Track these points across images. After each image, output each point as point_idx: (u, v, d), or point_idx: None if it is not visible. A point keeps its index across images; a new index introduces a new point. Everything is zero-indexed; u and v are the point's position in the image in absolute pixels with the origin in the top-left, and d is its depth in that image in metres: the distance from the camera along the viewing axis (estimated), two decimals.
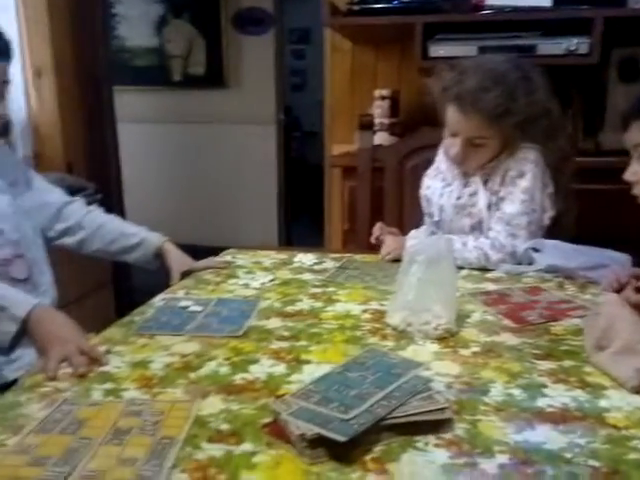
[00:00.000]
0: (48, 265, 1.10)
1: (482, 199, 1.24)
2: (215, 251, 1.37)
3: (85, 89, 2.64)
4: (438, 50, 1.73)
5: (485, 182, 1.25)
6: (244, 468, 0.53)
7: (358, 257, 1.33)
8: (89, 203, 1.28)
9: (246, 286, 1.12)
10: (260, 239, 3.83)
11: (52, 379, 0.71)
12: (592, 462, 0.53)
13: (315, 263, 1.28)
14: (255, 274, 1.20)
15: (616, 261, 1.07)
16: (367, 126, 1.70)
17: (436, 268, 0.85)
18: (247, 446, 0.56)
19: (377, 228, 1.37)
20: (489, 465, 0.53)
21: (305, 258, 1.32)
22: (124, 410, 0.63)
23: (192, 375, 0.73)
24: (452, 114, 1.23)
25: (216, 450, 0.56)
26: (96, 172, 2.72)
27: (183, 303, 0.99)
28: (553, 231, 1.25)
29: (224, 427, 0.60)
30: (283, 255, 1.36)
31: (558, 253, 1.11)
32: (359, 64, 2.27)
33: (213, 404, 0.65)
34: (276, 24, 3.83)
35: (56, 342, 0.77)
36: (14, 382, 0.72)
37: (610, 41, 1.80)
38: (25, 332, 0.81)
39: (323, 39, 2.46)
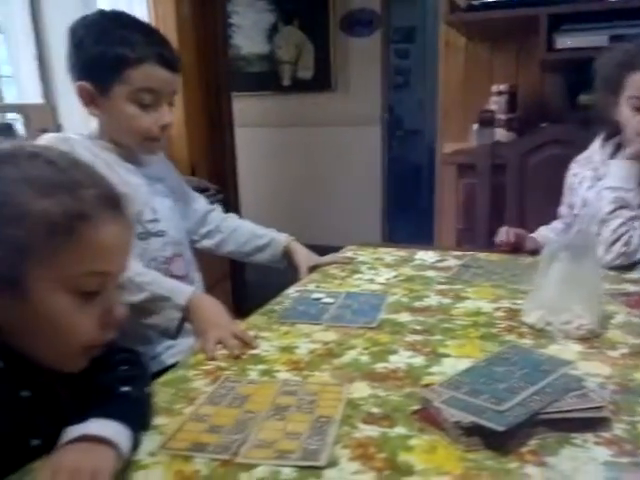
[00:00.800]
0: (197, 264, 1.21)
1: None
2: (323, 249, 1.41)
3: (207, 96, 2.84)
4: (565, 41, 1.66)
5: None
6: (402, 449, 0.55)
7: (482, 255, 1.31)
8: (211, 203, 1.39)
9: (371, 281, 1.15)
10: (364, 238, 3.87)
11: (211, 359, 0.79)
12: None
13: (437, 260, 1.29)
14: (378, 270, 1.23)
15: None
16: (487, 122, 1.67)
17: (578, 266, 0.82)
18: (401, 430, 0.59)
19: (503, 232, 1.33)
20: None
21: (426, 255, 1.33)
22: (280, 389, 0.69)
23: (335, 361, 0.77)
24: (634, 80, 1.14)
25: (371, 431, 0.59)
26: (216, 174, 2.92)
27: (316, 295, 1.05)
28: None
29: (375, 411, 0.63)
30: (403, 252, 1.37)
31: None
32: (474, 60, 2.23)
33: (361, 389, 0.68)
34: (383, 24, 3.85)
35: (212, 326, 0.85)
36: (171, 367, 0.80)
37: None
38: (185, 318, 0.91)
39: (435, 37, 2.45)
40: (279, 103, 4.16)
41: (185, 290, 0.93)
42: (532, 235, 1.36)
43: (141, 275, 0.92)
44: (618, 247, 1.12)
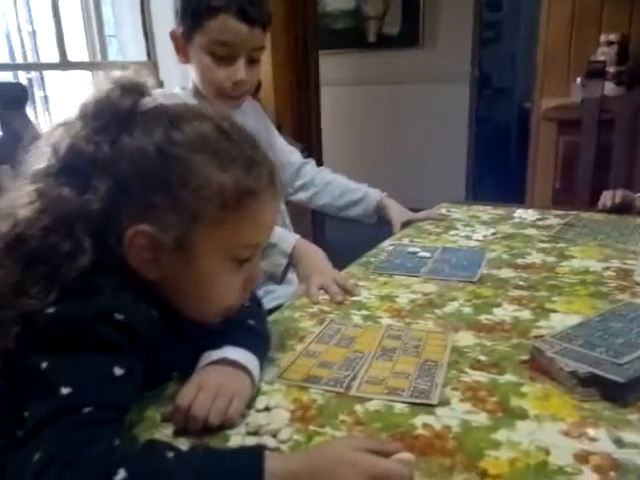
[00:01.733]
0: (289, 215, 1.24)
1: None
2: (409, 209, 1.37)
3: (294, 53, 2.84)
4: None
5: None
6: (514, 395, 0.56)
7: (585, 215, 1.25)
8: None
9: (468, 238, 1.13)
10: (449, 197, 3.78)
11: (315, 303, 0.82)
12: None
13: (538, 219, 1.24)
14: (474, 227, 1.21)
15: None
16: (597, 74, 1.55)
17: None
18: (511, 377, 0.59)
19: (608, 196, 1.25)
20: None
21: (525, 214, 1.29)
22: (385, 333, 0.71)
23: (437, 311, 0.78)
24: None
25: (480, 377, 0.60)
26: (300, 132, 2.94)
27: (411, 249, 1.05)
28: None
29: (482, 358, 0.64)
30: (500, 211, 1.34)
31: None
32: (582, 8, 2.06)
33: (466, 338, 0.69)
34: None
35: (316, 272, 0.88)
36: (272, 310, 0.83)
37: None
38: (290, 264, 0.94)
39: None
40: (364, 60, 4.08)
41: (290, 237, 0.96)
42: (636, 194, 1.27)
43: None
44: None
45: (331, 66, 3.93)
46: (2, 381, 0.52)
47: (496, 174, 4.66)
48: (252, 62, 1.02)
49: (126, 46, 2.13)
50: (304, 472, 0.41)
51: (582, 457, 0.46)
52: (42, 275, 0.47)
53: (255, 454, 0.42)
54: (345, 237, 1.36)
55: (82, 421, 0.41)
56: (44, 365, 0.44)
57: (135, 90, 0.54)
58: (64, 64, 1.90)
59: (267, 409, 0.55)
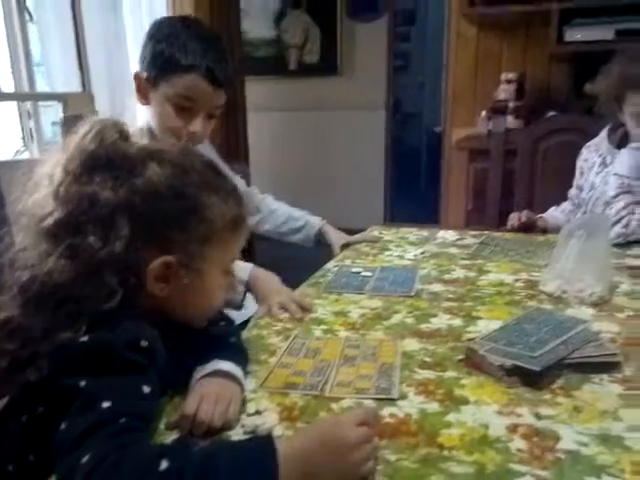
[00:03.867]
0: None
1: None
2: None
3: None
4: (574, 35, 1.77)
5: None
6: (456, 387, 0.69)
7: (497, 234, 1.45)
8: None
9: (401, 257, 1.28)
10: (367, 219, 4.00)
11: (278, 320, 0.92)
12: None
13: (457, 239, 1.42)
14: (405, 247, 1.36)
15: None
16: (500, 111, 1.79)
17: (593, 243, 0.96)
18: (452, 373, 0.73)
19: (515, 218, 1.46)
20: None
21: (447, 235, 1.46)
22: (345, 344, 0.82)
23: (385, 323, 0.90)
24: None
25: (428, 374, 0.73)
26: (229, 157, 3.02)
27: (355, 269, 1.18)
28: None
29: (427, 359, 0.77)
30: (424, 232, 1.51)
31: None
32: (484, 49, 2.34)
33: (412, 344, 0.82)
34: (389, 8, 3.92)
35: (274, 294, 0.98)
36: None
37: None
38: (248, 290, 1.03)
39: (435, 24, 2.54)
40: (285, 87, 4.24)
41: (246, 266, 1.05)
42: (542, 215, 1.50)
43: None
44: (618, 228, 1.26)
45: (254, 92, 4.06)
46: (18, 407, 0.58)
47: (411, 194, 4.97)
48: (210, 117, 1.12)
49: (53, 76, 2.11)
50: (312, 442, 0.50)
51: (512, 429, 0.60)
52: (72, 313, 0.54)
53: (266, 439, 0.51)
54: (274, 257, 1.49)
55: (121, 429, 0.49)
56: (82, 384, 0.51)
57: (128, 133, 0.62)
58: None
59: (258, 412, 0.64)
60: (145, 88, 1.09)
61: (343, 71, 4.12)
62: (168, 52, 1.05)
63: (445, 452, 0.56)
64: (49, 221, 0.57)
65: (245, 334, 0.87)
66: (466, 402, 0.65)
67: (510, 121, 2.18)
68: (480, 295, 1.02)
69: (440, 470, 0.53)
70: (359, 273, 1.16)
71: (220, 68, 1.06)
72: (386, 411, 0.64)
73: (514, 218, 1.46)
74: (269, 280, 1.04)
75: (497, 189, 1.77)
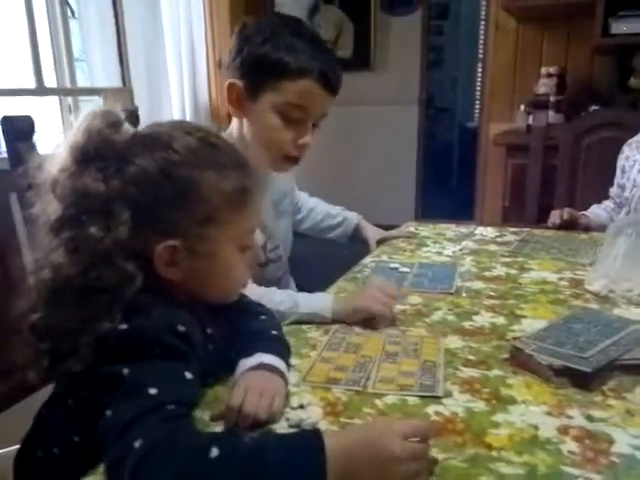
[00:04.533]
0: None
1: None
2: None
3: None
4: (621, 27, 1.71)
5: None
6: (502, 386, 0.68)
7: (537, 232, 1.42)
8: None
9: (439, 253, 1.26)
10: (400, 214, 3.96)
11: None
12: None
13: (497, 236, 1.39)
14: (442, 244, 1.34)
15: None
16: (541, 105, 1.74)
17: None
18: (497, 372, 0.71)
19: (557, 215, 1.42)
20: None
21: (485, 231, 1.44)
22: (386, 339, 0.81)
23: (426, 320, 0.89)
24: None
25: (473, 373, 0.71)
26: None
27: (392, 265, 1.17)
28: None
29: (471, 357, 0.75)
30: (462, 229, 1.48)
31: None
32: (524, 42, 2.28)
33: (454, 341, 0.81)
34: (424, 2, 3.87)
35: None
36: None
37: None
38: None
39: (475, 14, 2.49)
40: None
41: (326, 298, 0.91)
42: (584, 213, 1.45)
43: (279, 304, 0.88)
44: None
45: None
46: (64, 393, 0.59)
47: (442, 190, 4.91)
48: (313, 126, 1.01)
49: (93, 70, 2.16)
50: (359, 443, 0.49)
51: (563, 430, 0.58)
52: (104, 302, 0.54)
53: (314, 433, 0.51)
54: (307, 253, 1.50)
55: (170, 415, 0.49)
56: (125, 372, 0.52)
57: (119, 121, 0.60)
58: (41, 90, 1.91)
59: (302, 406, 0.64)
60: (241, 99, 0.96)
61: (376, 66, 4.08)
62: (274, 55, 0.91)
63: (494, 452, 0.55)
64: (51, 218, 0.57)
65: (285, 328, 0.87)
66: (513, 402, 0.64)
67: (551, 116, 2.13)
68: (523, 293, 1.00)
69: (489, 470, 0.52)
70: (397, 269, 1.14)
71: (332, 71, 0.94)
72: (431, 409, 0.63)
73: (556, 215, 1.42)
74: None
75: (536, 186, 1.73)
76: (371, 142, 4.17)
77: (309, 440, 0.50)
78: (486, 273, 1.11)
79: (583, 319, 0.81)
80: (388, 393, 0.67)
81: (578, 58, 2.18)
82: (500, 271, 1.13)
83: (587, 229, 1.42)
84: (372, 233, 1.40)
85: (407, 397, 0.66)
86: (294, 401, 0.65)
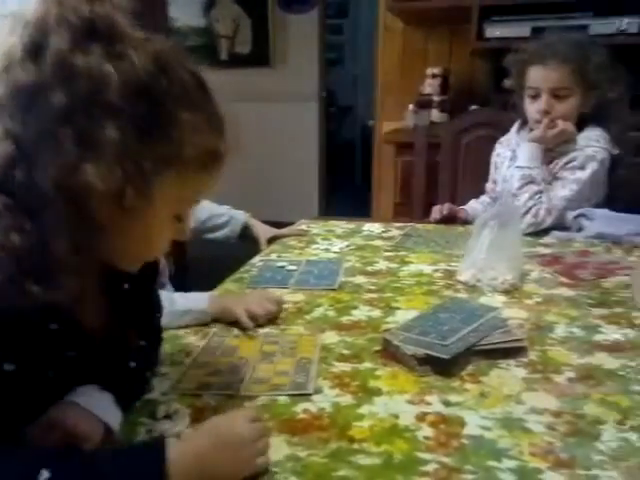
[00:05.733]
0: None
1: (544, 176, 1.37)
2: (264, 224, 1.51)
3: None
4: (494, 31, 1.83)
5: (549, 163, 1.38)
6: (371, 378, 0.70)
7: (420, 226, 1.48)
8: None
9: (327, 250, 1.28)
10: (302, 213, 4.00)
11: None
12: None
13: (382, 231, 1.44)
14: (331, 240, 1.37)
15: None
16: (424, 105, 1.82)
17: (505, 232, 1.00)
18: (368, 364, 0.74)
19: (437, 210, 1.50)
20: (560, 379, 0.69)
21: (372, 227, 1.48)
22: (264, 340, 0.81)
23: (307, 317, 0.90)
24: (535, 73, 1.36)
25: (345, 367, 0.73)
26: None
27: (280, 263, 1.17)
28: (608, 202, 1.37)
29: (345, 352, 0.77)
30: (351, 225, 1.52)
31: (606, 222, 1.24)
32: (410, 44, 2.38)
33: (331, 337, 0.82)
34: (320, 1, 3.92)
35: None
36: None
37: None
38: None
39: (367, 18, 2.57)
40: (216, 78, 4.09)
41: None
42: (463, 207, 1.55)
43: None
44: (528, 218, 1.32)
45: None
46: None
47: (346, 188, 5.02)
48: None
49: None
50: (208, 441, 0.49)
51: (421, 417, 0.61)
52: None
53: (155, 443, 0.48)
54: (207, 254, 1.46)
55: None
56: None
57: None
58: None
59: (168, 416, 0.62)
60: None
61: (275, 62, 4.08)
62: None
63: (355, 445, 0.57)
64: None
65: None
66: (379, 393, 0.66)
67: (436, 115, 2.24)
68: (400, 286, 1.04)
69: (349, 463, 0.54)
70: (284, 267, 1.15)
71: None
72: (300, 407, 0.64)
73: (436, 210, 1.50)
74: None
75: (422, 182, 1.82)
76: (271, 139, 4.17)
77: (148, 451, 0.48)
78: (369, 268, 1.15)
79: (449, 308, 0.86)
80: (260, 395, 0.66)
81: (460, 60, 2.31)
82: (382, 265, 1.16)
83: (465, 223, 1.51)
84: (262, 232, 1.39)
85: (278, 397, 0.66)
86: (160, 411, 0.63)
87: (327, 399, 0.65)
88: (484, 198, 1.58)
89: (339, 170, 5.10)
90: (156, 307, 0.72)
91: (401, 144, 2.11)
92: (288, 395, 0.66)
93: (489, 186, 1.57)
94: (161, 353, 0.73)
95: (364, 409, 0.63)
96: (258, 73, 4.09)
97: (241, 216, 1.40)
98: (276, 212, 2.32)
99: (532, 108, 1.38)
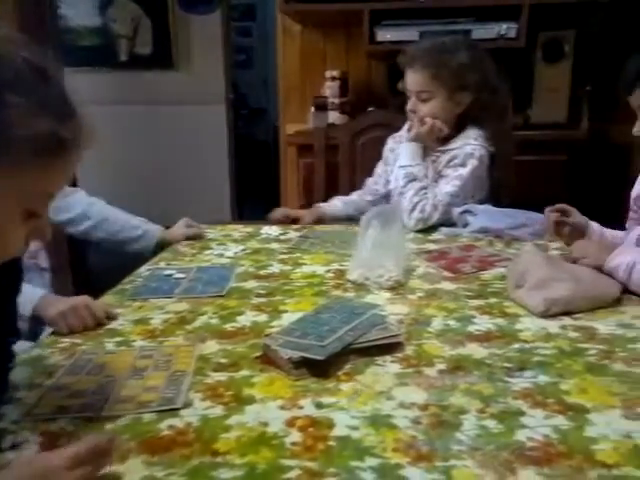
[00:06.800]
0: None
1: (429, 174, 1.43)
2: None
3: None
4: (385, 35, 1.88)
5: (434, 161, 1.44)
6: (245, 386, 0.68)
7: (318, 227, 1.48)
8: None
9: (220, 255, 1.25)
10: (214, 217, 3.91)
11: (67, 333, 0.82)
12: (506, 364, 0.71)
13: (280, 234, 1.43)
14: (227, 245, 1.33)
15: (536, 221, 1.28)
16: (321, 107, 1.83)
17: (388, 231, 1.02)
18: (245, 372, 0.71)
19: (276, 213, 1.54)
20: (431, 371, 0.70)
21: (270, 230, 1.46)
22: (138, 354, 0.77)
23: (188, 327, 0.86)
24: (406, 77, 1.43)
25: (221, 376, 0.70)
26: None
27: (167, 272, 1.12)
28: (492, 198, 1.45)
29: (224, 361, 0.74)
30: (249, 228, 1.49)
31: (488, 216, 1.30)
32: (309, 46, 2.39)
33: (211, 346, 0.79)
34: (223, 2, 3.86)
35: (63, 305, 0.87)
36: None
37: (536, 26, 2.00)
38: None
39: (273, 20, 2.56)
40: (116, 79, 3.97)
41: (31, 299, 0.87)
42: (320, 205, 1.56)
43: None
44: (416, 214, 1.37)
45: (79, 84, 3.71)
46: None
47: (258, 191, 4.98)
48: None
49: None
50: None
51: (290, 422, 0.60)
52: None
53: None
54: (107, 262, 1.38)
55: None
56: None
57: None
58: None
59: (15, 446, 0.56)
60: None
61: (179, 64, 3.96)
62: None
63: (219, 458, 0.54)
64: None
65: (24, 357, 0.77)
66: (252, 401, 0.64)
67: (336, 116, 2.27)
68: (291, 288, 1.03)
69: (210, 478, 0.51)
70: (171, 276, 1.10)
71: None
72: (165, 424, 0.60)
73: (276, 213, 1.53)
74: (55, 303, 0.90)
75: (322, 183, 1.83)
76: (180, 143, 4.04)
77: None
78: (262, 272, 1.13)
79: (332, 308, 0.86)
80: (123, 414, 0.62)
81: (357, 63, 2.36)
82: (275, 268, 1.15)
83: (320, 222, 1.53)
84: (177, 240, 1.35)
85: (144, 414, 0.62)
86: (7, 442, 0.57)
87: (196, 412, 0.62)
88: (360, 192, 1.61)
89: (254, 173, 5.05)
90: (10, 330, 0.65)
91: (303, 146, 2.12)
92: (155, 411, 0.62)
93: (371, 180, 1.60)
94: (14, 378, 0.67)
95: (233, 420, 0.60)
96: (162, 75, 3.96)
97: (156, 232, 1.35)
98: (190, 217, 2.24)
99: (409, 109, 1.44)
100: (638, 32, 2.04)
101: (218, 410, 0.62)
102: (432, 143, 1.45)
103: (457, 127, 1.43)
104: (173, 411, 0.62)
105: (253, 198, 4.55)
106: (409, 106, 1.44)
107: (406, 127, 1.53)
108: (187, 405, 0.64)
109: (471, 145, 1.39)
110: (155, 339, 0.82)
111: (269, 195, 4.44)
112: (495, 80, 1.41)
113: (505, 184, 1.48)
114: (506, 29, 1.88)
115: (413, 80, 1.41)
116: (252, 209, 4.37)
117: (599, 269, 0.96)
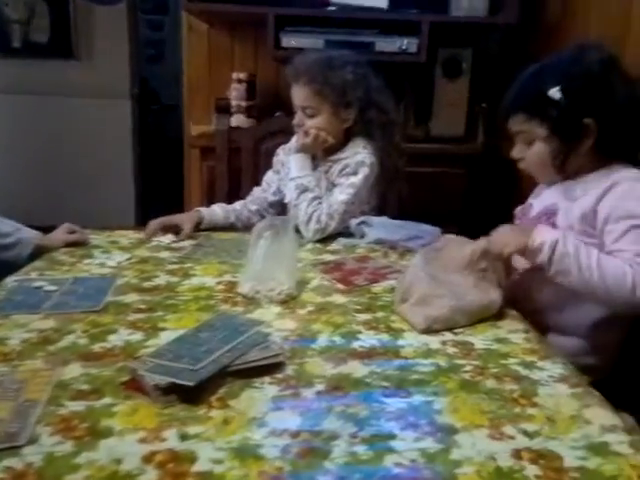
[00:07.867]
0: None
1: (323, 185, 1.42)
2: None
3: None
4: (290, 41, 1.86)
5: (326, 172, 1.43)
6: (104, 417, 0.61)
7: (215, 235, 1.43)
8: None
9: (102, 265, 1.16)
10: (117, 219, 3.69)
11: None
12: (384, 383, 0.70)
13: (173, 241, 1.35)
14: (111, 253, 1.24)
15: (429, 233, 1.31)
16: (223, 109, 1.78)
17: (279, 243, 0.99)
18: (107, 400, 0.65)
19: (150, 228, 1.37)
20: (309, 393, 0.67)
21: (163, 237, 1.38)
22: None
23: (51, 348, 0.78)
24: (292, 91, 1.43)
25: (78, 406, 0.63)
26: None
27: (37, 283, 1.02)
28: (382, 209, 1.47)
29: (85, 387, 0.67)
30: (140, 235, 1.40)
31: (384, 228, 1.32)
32: (216, 46, 2.32)
33: (73, 370, 0.72)
34: None
35: None
36: None
37: (436, 42, 2.07)
38: None
39: (180, 19, 2.46)
40: (9, 67, 3.65)
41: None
42: (199, 209, 1.49)
43: None
44: (312, 225, 1.35)
45: None
46: None
47: (167, 192, 4.78)
48: None
49: None
50: None
51: (148, 458, 0.54)
52: None
53: None
54: None
55: None
56: None
57: None
58: None
59: None
60: None
61: (80, 55, 3.72)
62: None
63: None
64: None
65: None
66: (109, 434, 0.58)
67: (242, 120, 2.21)
68: (175, 302, 0.97)
69: None
70: (41, 288, 1.00)
71: None
72: (3, 464, 0.53)
73: (149, 227, 1.37)
74: None
75: (224, 187, 1.77)
76: (80, 137, 3.78)
77: None
78: (145, 284, 1.05)
79: (214, 325, 0.81)
80: None
81: (266, 65, 2.31)
82: (161, 280, 1.08)
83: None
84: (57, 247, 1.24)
85: None
86: None
87: (41, 450, 0.55)
88: (241, 202, 1.56)
89: (164, 172, 4.84)
90: None
91: (206, 148, 2.04)
92: None
93: (258, 189, 1.58)
94: None
95: (83, 457, 0.54)
96: (62, 65, 3.70)
97: (32, 238, 1.23)
98: (91, 218, 2.08)
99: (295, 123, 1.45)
100: (532, 55, 2.18)
101: (67, 446, 0.56)
102: (320, 153, 1.46)
103: (345, 138, 1.45)
104: (15, 449, 0.55)
105: (162, 199, 4.35)
106: (295, 120, 1.44)
107: (294, 139, 1.53)
108: (32, 441, 0.56)
109: (361, 154, 1.41)
110: (9, 363, 0.73)
111: (176, 197, 4.30)
112: (380, 96, 1.43)
113: (390, 197, 1.52)
114: (407, 44, 1.93)
115: (298, 95, 1.42)
116: (161, 211, 4.18)
117: (522, 253, 0.94)
